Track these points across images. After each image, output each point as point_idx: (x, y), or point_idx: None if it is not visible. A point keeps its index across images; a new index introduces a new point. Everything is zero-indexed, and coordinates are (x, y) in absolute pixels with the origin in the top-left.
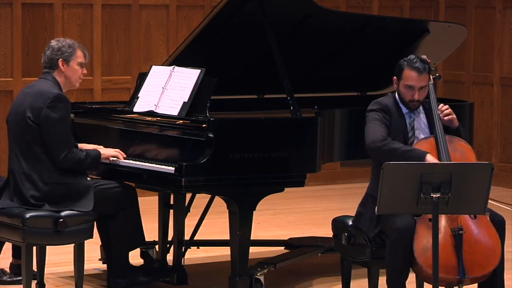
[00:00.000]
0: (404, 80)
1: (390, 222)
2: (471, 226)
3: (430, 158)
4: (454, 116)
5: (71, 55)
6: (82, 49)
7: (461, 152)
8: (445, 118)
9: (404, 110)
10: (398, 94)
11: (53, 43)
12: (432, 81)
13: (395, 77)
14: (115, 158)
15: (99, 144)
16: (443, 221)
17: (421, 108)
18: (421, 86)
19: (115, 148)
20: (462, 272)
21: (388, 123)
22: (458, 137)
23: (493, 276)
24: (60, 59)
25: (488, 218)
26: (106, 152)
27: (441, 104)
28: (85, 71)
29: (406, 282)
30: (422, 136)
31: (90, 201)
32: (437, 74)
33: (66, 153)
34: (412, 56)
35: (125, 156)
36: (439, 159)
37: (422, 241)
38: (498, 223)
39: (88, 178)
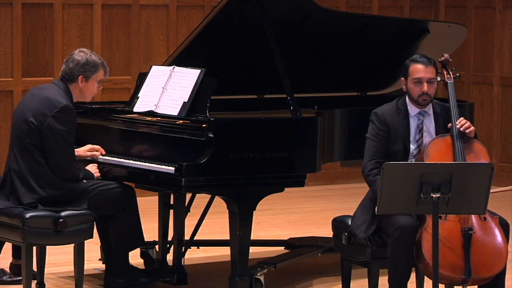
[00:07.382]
0: (411, 75)
1: (390, 220)
2: (481, 227)
3: None
4: (473, 128)
5: (93, 74)
6: (105, 67)
7: (476, 153)
8: (467, 131)
9: (413, 113)
10: (408, 95)
11: (79, 57)
12: (452, 81)
13: (402, 78)
14: (93, 152)
15: (99, 145)
16: (453, 220)
17: (431, 110)
18: (429, 79)
19: (114, 147)
20: (468, 272)
21: (383, 135)
22: (474, 138)
23: (495, 279)
24: (81, 76)
25: (497, 221)
26: (85, 153)
27: (461, 118)
28: (101, 87)
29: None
30: (429, 139)
31: (84, 203)
32: (457, 74)
33: (67, 165)
34: (416, 55)
35: (103, 152)
36: (454, 158)
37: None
38: (503, 226)
39: (84, 181)
